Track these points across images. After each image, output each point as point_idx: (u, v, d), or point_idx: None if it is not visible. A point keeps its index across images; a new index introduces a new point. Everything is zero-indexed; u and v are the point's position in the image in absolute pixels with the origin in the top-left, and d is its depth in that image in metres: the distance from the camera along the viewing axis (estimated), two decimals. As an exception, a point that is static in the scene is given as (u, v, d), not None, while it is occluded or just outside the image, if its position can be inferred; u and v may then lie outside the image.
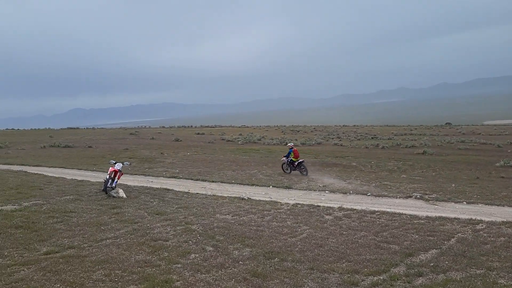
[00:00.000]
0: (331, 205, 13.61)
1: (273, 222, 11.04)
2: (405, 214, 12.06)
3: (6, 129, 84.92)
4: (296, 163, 22.59)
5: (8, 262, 7.59)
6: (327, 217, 11.87)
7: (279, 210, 12.70)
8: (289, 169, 22.80)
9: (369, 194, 15.81)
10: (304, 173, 22.19)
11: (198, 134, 62.00)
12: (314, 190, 17.07)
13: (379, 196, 15.51)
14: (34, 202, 13.29)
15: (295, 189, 17.46)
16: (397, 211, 12.62)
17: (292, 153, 22.59)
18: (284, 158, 23.11)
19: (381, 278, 6.95)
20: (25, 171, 21.84)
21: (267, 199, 14.76)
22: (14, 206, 12.58)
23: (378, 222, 11.15)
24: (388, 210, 12.76)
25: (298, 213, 12.28)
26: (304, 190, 17.20)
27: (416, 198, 14.90)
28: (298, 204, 13.85)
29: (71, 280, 6.55)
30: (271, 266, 7.46)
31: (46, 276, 6.75)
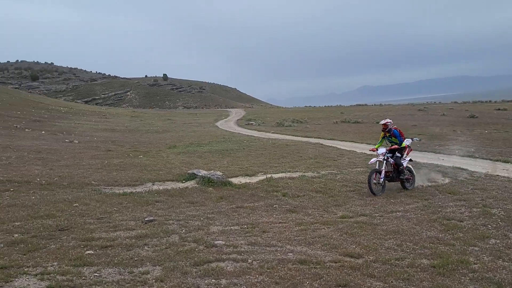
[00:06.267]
0: None
1: None
2: None
3: (304, 106, 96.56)
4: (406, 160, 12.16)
5: (311, 220, 8.72)
6: None
7: None
8: (382, 180, 11.38)
9: None
10: (409, 186, 11.92)
11: (499, 110, 54.68)
12: None
13: None
14: (330, 171, 14.68)
15: None
16: None
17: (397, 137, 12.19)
18: (381, 153, 11.72)
19: None
20: (321, 144, 24.29)
21: None
22: (314, 174, 14.24)
23: None
24: None
25: None
26: None
27: None
28: None
29: (365, 244, 6.96)
30: None
31: (343, 237, 7.38)
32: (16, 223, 7.85)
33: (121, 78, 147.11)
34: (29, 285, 5.16)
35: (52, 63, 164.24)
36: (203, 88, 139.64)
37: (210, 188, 11.89)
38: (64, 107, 53.20)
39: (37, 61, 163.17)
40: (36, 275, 5.46)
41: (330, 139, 27.97)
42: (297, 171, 14.64)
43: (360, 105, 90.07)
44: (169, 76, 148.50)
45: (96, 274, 5.56)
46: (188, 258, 6.20)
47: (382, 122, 12.50)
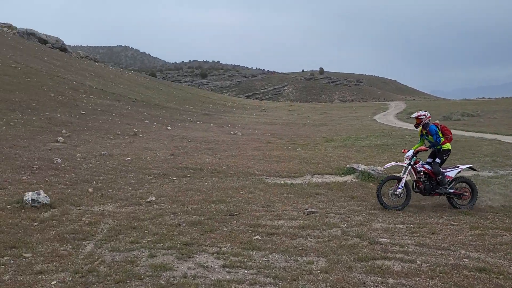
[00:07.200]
0: None
1: None
2: None
3: (477, 98, 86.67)
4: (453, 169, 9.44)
5: (489, 224, 7.79)
6: None
7: None
8: (406, 194, 9.02)
9: None
10: (464, 204, 9.08)
11: None
12: None
13: None
14: (510, 171, 12.92)
15: None
16: None
17: (438, 133, 9.09)
18: (407, 156, 9.26)
19: None
20: (498, 140, 21.48)
21: None
22: (490, 173, 12.70)
23: None
24: None
25: None
26: None
27: None
28: None
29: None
30: None
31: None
32: (193, 206, 8.77)
33: (279, 73, 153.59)
34: (207, 261, 5.70)
35: (218, 62, 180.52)
36: (360, 81, 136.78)
37: (371, 184, 11.54)
38: (228, 102, 57.70)
39: (206, 60, 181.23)
40: (212, 253, 6.00)
41: (510, 134, 24.55)
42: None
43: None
44: (325, 69, 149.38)
45: (264, 258, 5.85)
46: (352, 253, 6.09)
47: (414, 115, 9.48)
